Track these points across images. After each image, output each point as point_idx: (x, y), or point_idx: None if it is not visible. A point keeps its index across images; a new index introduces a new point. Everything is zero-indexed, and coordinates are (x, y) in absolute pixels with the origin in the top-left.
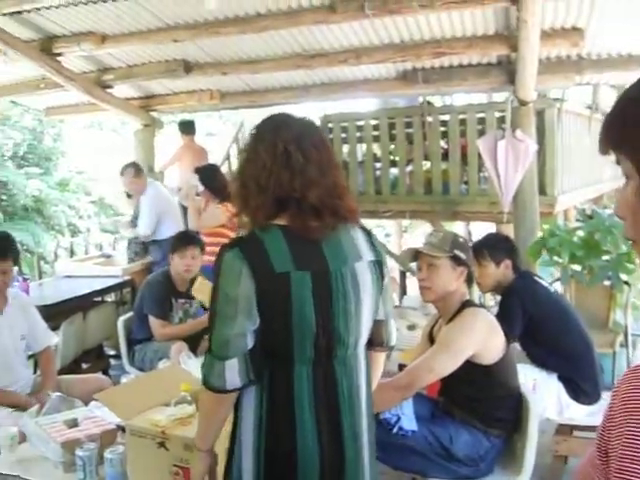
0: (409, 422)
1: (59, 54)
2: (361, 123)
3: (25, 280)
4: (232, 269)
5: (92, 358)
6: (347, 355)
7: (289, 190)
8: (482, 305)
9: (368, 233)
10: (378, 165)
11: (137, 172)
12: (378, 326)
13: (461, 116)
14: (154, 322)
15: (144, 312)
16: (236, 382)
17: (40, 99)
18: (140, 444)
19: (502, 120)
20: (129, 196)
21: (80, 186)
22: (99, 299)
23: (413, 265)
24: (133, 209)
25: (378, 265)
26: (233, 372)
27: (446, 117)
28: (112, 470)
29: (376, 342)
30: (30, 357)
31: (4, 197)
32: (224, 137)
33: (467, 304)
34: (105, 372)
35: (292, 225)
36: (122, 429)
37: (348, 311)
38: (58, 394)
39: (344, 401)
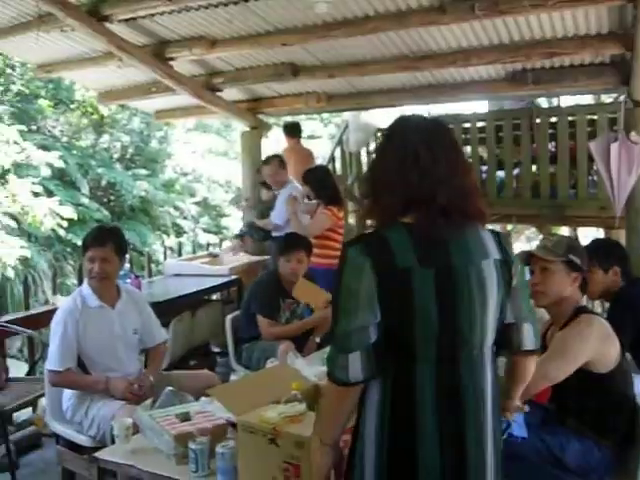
0: (520, 429)
1: (171, 59)
2: (467, 125)
3: (137, 278)
4: (355, 264)
5: (199, 355)
6: (472, 356)
7: (418, 191)
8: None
9: (497, 234)
10: (484, 168)
11: (281, 164)
12: (508, 329)
13: (570, 118)
14: (262, 321)
15: (252, 311)
16: (359, 375)
17: (150, 102)
18: (251, 440)
19: (613, 122)
20: (267, 187)
21: (185, 187)
22: (206, 297)
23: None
24: (267, 199)
25: (505, 265)
26: (356, 365)
27: (554, 119)
28: (223, 464)
29: (508, 345)
30: (142, 352)
31: (112, 197)
32: (325, 140)
33: (581, 310)
34: (211, 370)
35: (418, 223)
36: (232, 425)
37: (473, 310)
38: (170, 388)
39: (468, 403)
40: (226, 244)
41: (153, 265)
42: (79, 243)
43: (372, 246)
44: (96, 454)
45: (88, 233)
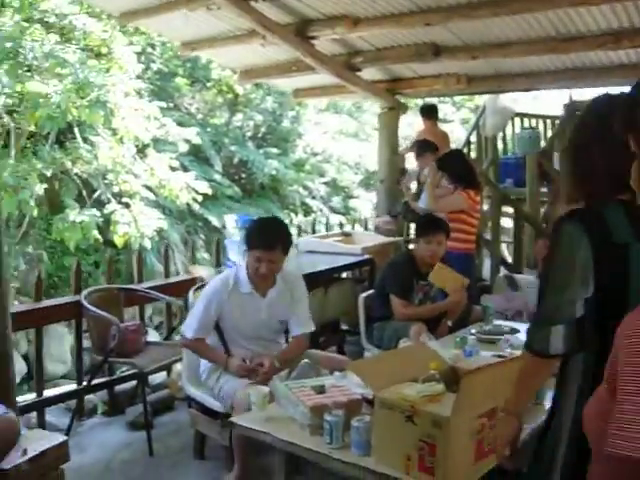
0: None
1: (313, 37)
2: None
3: None
4: (572, 238)
5: (329, 332)
6: None
7: (625, 169)
8: None
9: None
10: None
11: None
12: None
13: None
14: (395, 301)
15: (386, 291)
16: (559, 348)
17: (289, 81)
18: (388, 416)
19: None
20: (404, 173)
21: (314, 167)
22: (337, 276)
23: None
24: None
25: None
26: (558, 338)
27: None
28: (358, 438)
29: None
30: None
31: (243, 175)
32: (457, 124)
33: None
34: (340, 347)
35: (633, 200)
36: (367, 400)
37: None
38: (306, 361)
39: None
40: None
41: None
42: (210, 218)
43: (589, 221)
44: (232, 419)
45: (254, 229)
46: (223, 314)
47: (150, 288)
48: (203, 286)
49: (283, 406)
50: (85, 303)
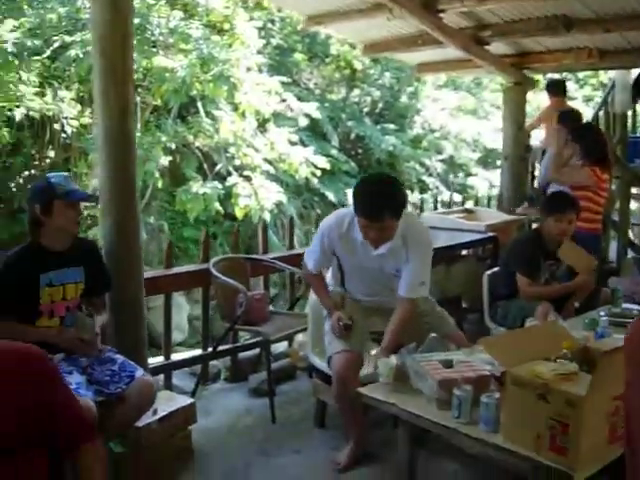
0: None
1: (441, 10)
2: None
3: None
4: None
5: (449, 308)
6: None
7: None
8: None
9: None
10: None
11: None
12: None
13: None
14: (521, 280)
15: (511, 269)
16: None
17: (413, 55)
18: (519, 393)
19: None
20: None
21: (432, 144)
22: (458, 252)
23: None
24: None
25: None
26: None
27: None
28: (487, 414)
29: None
30: None
31: (360, 151)
32: (580, 102)
33: None
34: (459, 325)
35: None
36: (495, 377)
37: None
38: (435, 335)
39: None
40: (468, 204)
41: None
42: (327, 193)
43: None
44: (359, 389)
45: (358, 194)
46: (336, 252)
47: (274, 259)
48: None
49: (410, 378)
50: (214, 271)
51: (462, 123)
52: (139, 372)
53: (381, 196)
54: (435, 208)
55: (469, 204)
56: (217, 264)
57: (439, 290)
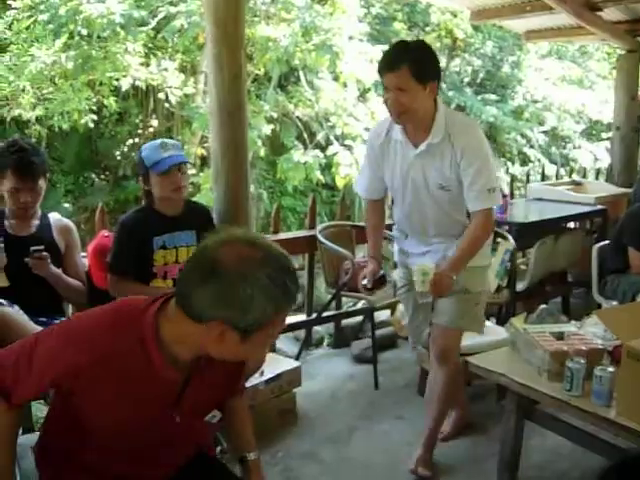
0: None
1: None
2: None
3: (504, 197)
4: None
5: (555, 283)
6: None
7: None
8: None
9: None
10: None
11: None
12: None
13: None
14: (634, 254)
15: (623, 243)
16: None
17: (521, 22)
18: (636, 367)
19: None
20: None
21: (534, 115)
22: (565, 225)
23: None
24: None
25: None
26: None
27: None
28: (600, 387)
29: None
30: None
31: None
32: None
33: None
34: (565, 299)
35: None
36: (608, 351)
37: None
38: (545, 306)
39: None
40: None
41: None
42: None
43: None
44: (468, 359)
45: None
46: (383, 169)
47: None
48: None
49: (519, 349)
50: (320, 237)
51: (566, 93)
52: None
53: (402, 46)
54: (542, 179)
55: (576, 176)
56: (323, 231)
57: (545, 264)
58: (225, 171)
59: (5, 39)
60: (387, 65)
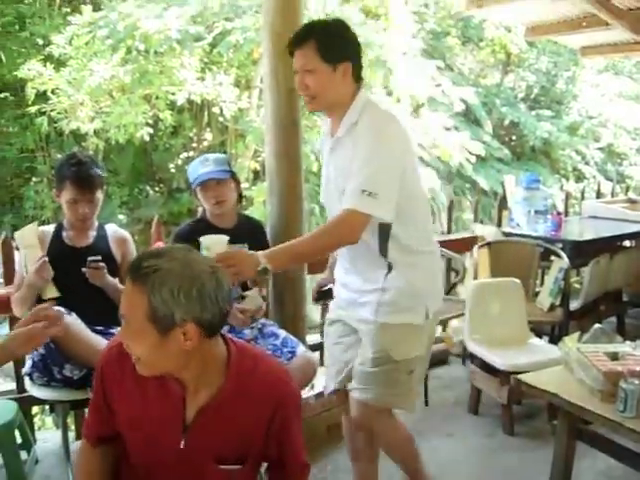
0: None
1: None
2: None
3: (559, 214)
4: None
5: (610, 301)
6: None
7: None
8: None
9: None
10: None
11: None
12: None
13: None
14: None
15: None
16: None
17: (577, 38)
18: None
19: None
20: None
21: (589, 131)
22: (620, 244)
23: None
24: None
25: None
26: None
27: None
28: None
29: None
30: None
31: (514, 137)
32: None
33: None
34: (620, 318)
35: None
36: None
37: None
38: (599, 326)
39: None
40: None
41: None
42: (478, 180)
43: None
44: (519, 377)
45: None
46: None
47: None
48: (488, 244)
49: (574, 369)
50: None
51: (622, 110)
52: (301, 348)
53: (310, 22)
54: (597, 197)
55: (632, 194)
56: None
57: (600, 282)
58: (279, 185)
59: (65, 54)
60: (293, 42)
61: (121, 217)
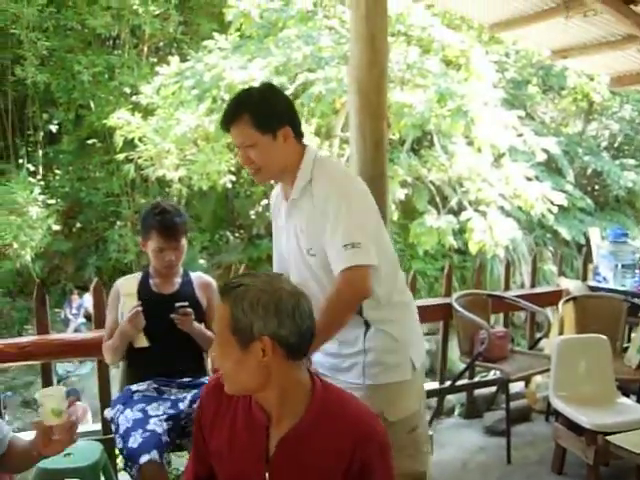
0: None
1: None
2: None
3: None
4: None
5: None
6: None
7: None
8: None
9: None
10: None
11: None
12: None
13: None
14: None
15: None
16: None
17: None
18: None
19: None
20: None
21: None
22: None
23: None
24: None
25: None
26: None
27: None
28: None
29: None
30: None
31: (597, 187)
32: None
33: None
34: None
35: None
36: None
37: None
38: None
39: None
40: None
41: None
42: (560, 230)
43: None
44: (608, 438)
45: None
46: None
47: (516, 297)
48: (574, 299)
49: None
50: (456, 305)
51: None
52: None
53: (238, 95)
54: None
55: None
56: (460, 299)
57: None
58: None
59: (153, 103)
60: (225, 120)
61: (201, 262)
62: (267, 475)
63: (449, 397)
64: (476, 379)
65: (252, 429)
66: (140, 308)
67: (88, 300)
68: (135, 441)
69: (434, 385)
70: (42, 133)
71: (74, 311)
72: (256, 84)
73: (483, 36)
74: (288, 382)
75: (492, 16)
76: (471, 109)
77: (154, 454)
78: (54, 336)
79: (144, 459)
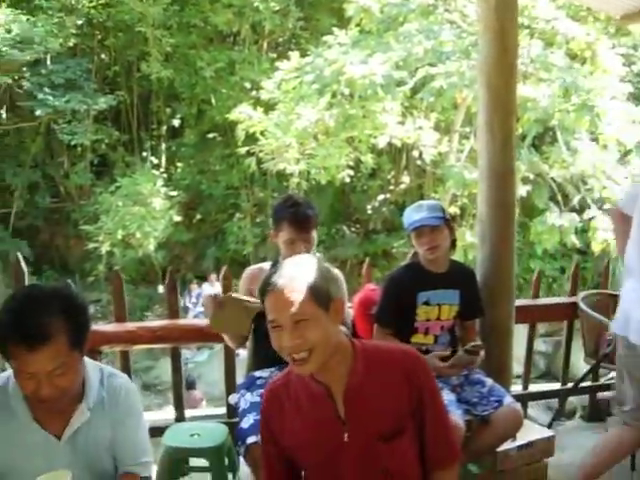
0: None
1: None
2: None
3: None
4: None
5: None
6: None
7: None
8: None
9: None
10: None
11: None
12: None
13: None
14: None
15: None
16: None
17: None
18: None
19: None
20: None
21: None
22: None
23: None
24: None
25: None
26: None
27: None
28: None
29: None
30: None
31: None
32: None
33: None
34: None
35: None
36: None
37: None
38: None
39: None
40: None
41: None
42: None
43: None
44: None
45: None
46: None
47: None
48: None
49: None
50: (582, 305)
51: None
52: (507, 398)
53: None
54: None
55: None
56: (586, 298)
57: None
58: (492, 234)
59: (274, 98)
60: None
61: (318, 255)
62: (346, 435)
63: (571, 399)
64: (601, 381)
65: (317, 403)
66: (214, 293)
67: (207, 289)
68: (247, 422)
69: (555, 386)
70: (165, 127)
71: (193, 299)
72: (378, 78)
73: (610, 28)
74: (339, 341)
75: (623, 7)
76: (597, 104)
77: None
78: (183, 321)
79: (251, 440)
